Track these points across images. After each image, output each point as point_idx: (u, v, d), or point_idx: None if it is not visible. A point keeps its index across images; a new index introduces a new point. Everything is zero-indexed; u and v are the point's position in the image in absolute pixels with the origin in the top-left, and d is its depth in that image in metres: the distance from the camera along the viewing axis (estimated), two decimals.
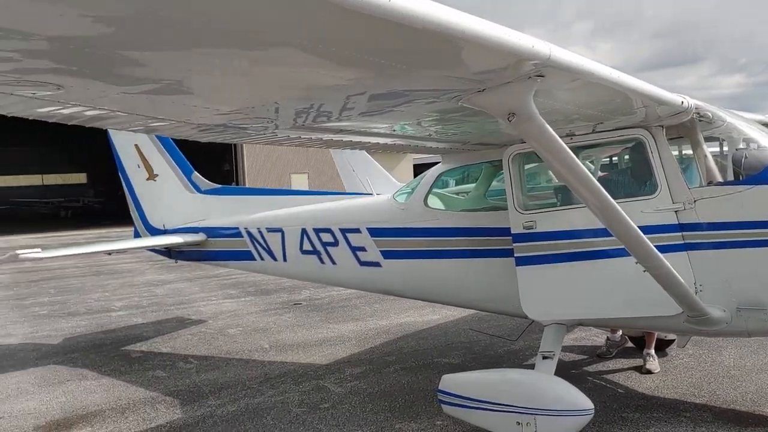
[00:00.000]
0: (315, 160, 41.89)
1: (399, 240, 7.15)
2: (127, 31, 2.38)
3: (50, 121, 3.62)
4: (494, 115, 3.91)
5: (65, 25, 2.22)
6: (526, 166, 6.13)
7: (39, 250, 8.53)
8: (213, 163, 40.13)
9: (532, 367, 6.01)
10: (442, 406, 5.63)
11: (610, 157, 8.12)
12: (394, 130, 5.29)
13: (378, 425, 6.24)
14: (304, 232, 8.09)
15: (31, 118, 3.53)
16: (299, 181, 41.46)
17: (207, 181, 10.22)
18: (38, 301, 14.65)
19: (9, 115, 3.38)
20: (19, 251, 8.04)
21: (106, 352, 9.63)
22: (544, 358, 5.67)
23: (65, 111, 3.41)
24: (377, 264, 7.39)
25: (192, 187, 10.11)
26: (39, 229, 40.85)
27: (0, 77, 2.71)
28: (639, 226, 4.68)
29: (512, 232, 5.87)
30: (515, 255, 5.87)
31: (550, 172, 7.56)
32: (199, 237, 9.47)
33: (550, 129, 3.90)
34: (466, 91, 3.65)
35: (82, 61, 2.70)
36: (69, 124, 3.71)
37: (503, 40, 3.02)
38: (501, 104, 3.71)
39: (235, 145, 39.08)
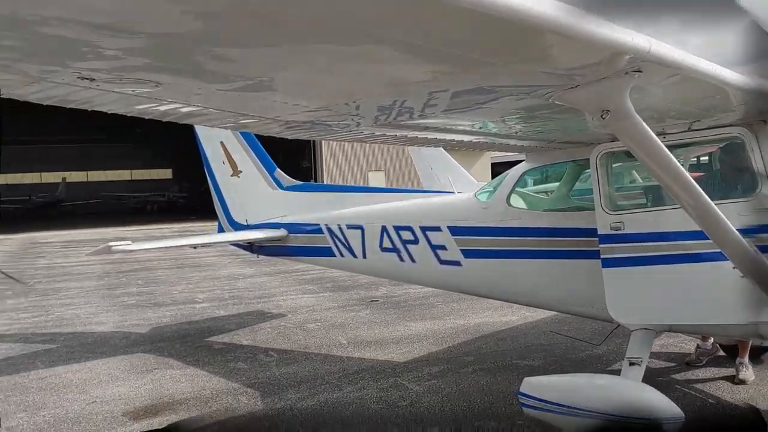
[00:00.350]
0: (392, 158, 42.00)
1: (480, 239, 7.06)
2: (224, 28, 2.42)
3: (146, 117, 3.74)
4: (587, 113, 3.79)
5: (168, 23, 2.27)
6: (615, 165, 5.93)
7: (130, 242, 8.87)
8: (292, 159, 40.82)
9: (616, 372, 5.82)
10: (524, 408, 5.52)
11: (698, 156, 7.79)
12: (479, 128, 5.22)
13: (457, 425, 6.19)
14: (384, 229, 8.10)
15: (128, 115, 3.65)
16: (377, 179, 41.66)
17: (289, 177, 10.38)
18: (127, 291, 15.26)
19: (109, 113, 3.50)
20: (111, 243, 8.39)
21: (190, 343, 9.92)
22: (631, 364, 5.48)
23: (161, 108, 3.51)
24: (457, 263, 7.33)
25: (274, 183, 10.29)
26: (127, 222, 42.59)
27: (104, 75, 2.81)
28: (737, 229, 4.46)
29: (599, 232, 5.69)
30: (602, 256, 5.69)
31: (635, 172, 7.35)
32: (281, 233, 9.63)
33: (647, 127, 3.75)
34: (558, 87, 3.54)
35: (181, 59, 2.77)
36: (164, 120, 3.82)
37: (599, 32, 2.90)
38: (595, 101, 3.59)
39: (313, 142, 39.65)
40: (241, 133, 10.30)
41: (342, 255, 8.79)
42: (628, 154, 5.25)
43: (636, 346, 5.55)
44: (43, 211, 55.47)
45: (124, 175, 67.19)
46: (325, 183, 38.38)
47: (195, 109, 3.62)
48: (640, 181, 6.97)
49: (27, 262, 22.48)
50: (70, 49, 2.44)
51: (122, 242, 8.73)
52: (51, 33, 2.24)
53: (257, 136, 10.32)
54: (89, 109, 3.36)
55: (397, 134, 5.30)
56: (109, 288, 15.87)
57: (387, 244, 8.11)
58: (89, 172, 65.30)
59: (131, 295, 14.55)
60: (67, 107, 3.30)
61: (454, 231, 7.31)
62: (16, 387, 7.92)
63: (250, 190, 10.48)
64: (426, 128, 5.06)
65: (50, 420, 6.79)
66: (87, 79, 2.81)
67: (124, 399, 7.37)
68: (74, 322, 11.78)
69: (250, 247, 10.35)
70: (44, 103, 3.22)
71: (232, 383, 7.79)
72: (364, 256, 8.49)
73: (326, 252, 9.00)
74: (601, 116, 3.66)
